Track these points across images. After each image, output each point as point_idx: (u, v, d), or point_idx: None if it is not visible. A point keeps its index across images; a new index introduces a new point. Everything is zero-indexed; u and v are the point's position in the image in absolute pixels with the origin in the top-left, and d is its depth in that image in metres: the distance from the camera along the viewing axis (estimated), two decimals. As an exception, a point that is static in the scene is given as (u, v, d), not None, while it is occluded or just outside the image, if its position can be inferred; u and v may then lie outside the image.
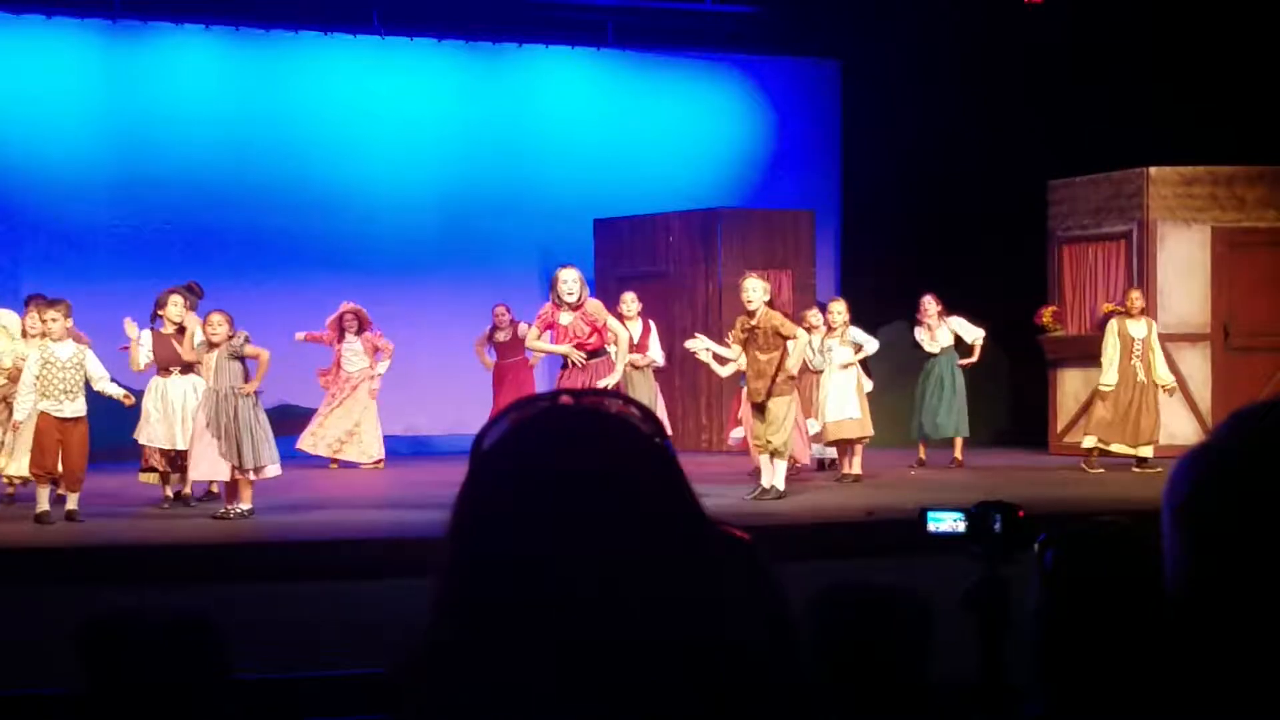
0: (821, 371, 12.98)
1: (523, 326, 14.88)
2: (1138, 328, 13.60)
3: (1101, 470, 13.34)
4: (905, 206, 17.29)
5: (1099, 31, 16.12)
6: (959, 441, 14.15)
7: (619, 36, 18.01)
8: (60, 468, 10.51)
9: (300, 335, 14.48)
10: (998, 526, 3.21)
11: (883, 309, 15.58)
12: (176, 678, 2.69)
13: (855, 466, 12.89)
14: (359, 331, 14.41)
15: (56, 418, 10.45)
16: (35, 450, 10.49)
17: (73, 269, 14.92)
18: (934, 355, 14.09)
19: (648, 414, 1.29)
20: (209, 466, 10.60)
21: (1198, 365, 15.07)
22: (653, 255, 16.92)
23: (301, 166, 16.66)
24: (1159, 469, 13.15)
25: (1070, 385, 15.56)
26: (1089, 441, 13.62)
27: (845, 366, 12.90)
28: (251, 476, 10.52)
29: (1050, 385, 15.97)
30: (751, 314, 11.25)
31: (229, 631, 2.81)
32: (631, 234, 17.10)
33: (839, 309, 13.21)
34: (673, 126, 18.21)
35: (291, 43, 16.95)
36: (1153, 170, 15.23)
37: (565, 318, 10.59)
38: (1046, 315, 15.72)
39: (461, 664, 1.19)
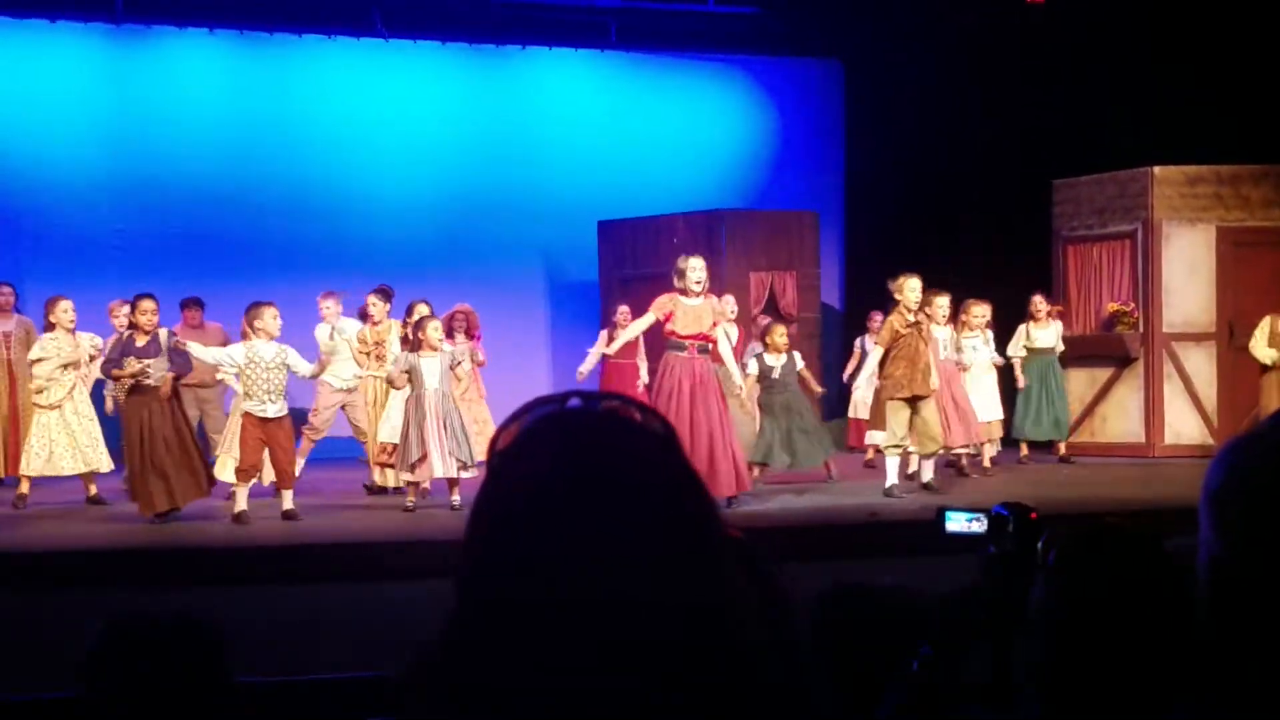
0: (966, 369, 13.21)
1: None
2: None
3: None
4: (909, 206, 17.29)
5: (1102, 30, 16.10)
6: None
7: (622, 38, 18.02)
8: (263, 466, 10.89)
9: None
10: (1011, 527, 3.21)
11: (887, 309, 15.55)
12: (179, 682, 2.69)
13: (987, 460, 13.56)
14: (468, 333, 14.08)
15: (260, 418, 10.64)
16: (240, 448, 10.76)
17: (76, 273, 14.93)
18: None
19: (658, 417, 1.29)
20: (443, 465, 11.10)
21: (1203, 364, 15.06)
22: (657, 257, 16.89)
23: (305, 170, 16.67)
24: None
25: (1075, 386, 15.52)
26: None
27: (995, 366, 13.61)
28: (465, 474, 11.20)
29: (1055, 385, 15.94)
30: (913, 310, 11.72)
31: (231, 634, 2.81)
32: (635, 236, 17.09)
33: (981, 311, 13.49)
34: (676, 128, 18.23)
35: (295, 46, 16.97)
36: (1157, 170, 15.22)
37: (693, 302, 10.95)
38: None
39: (473, 666, 1.19)
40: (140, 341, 10.57)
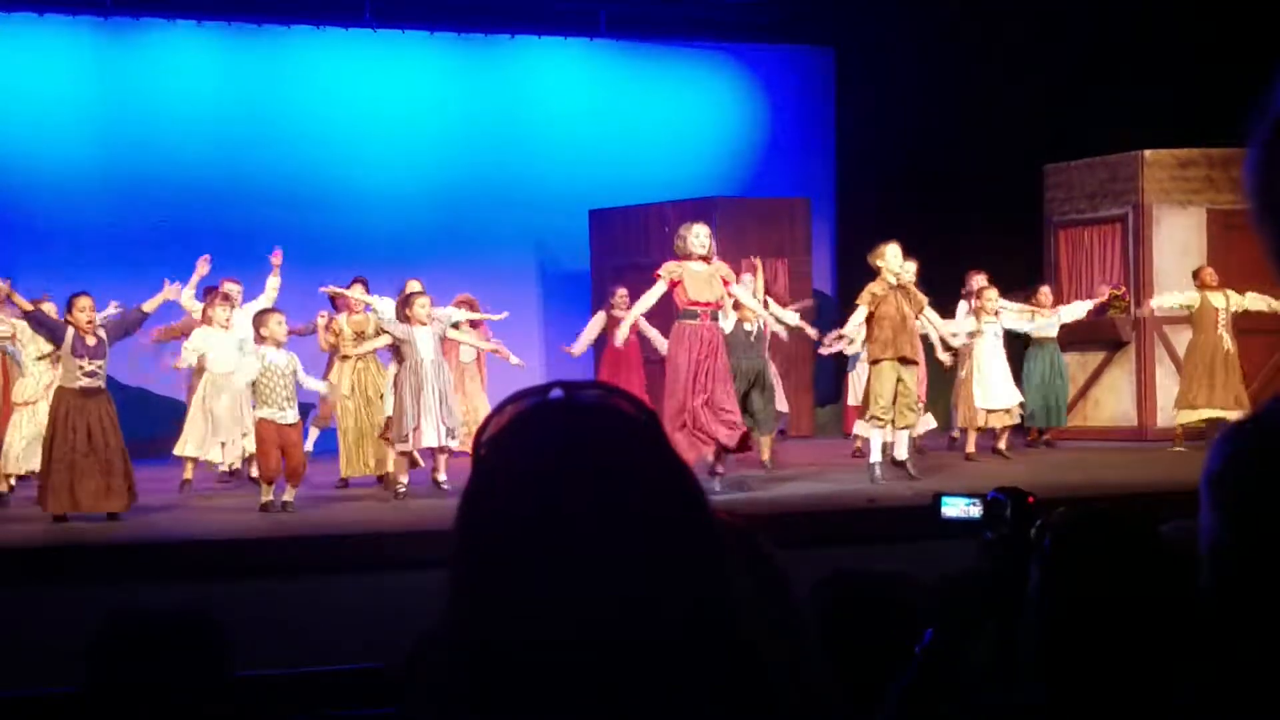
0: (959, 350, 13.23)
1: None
2: (1217, 298, 14.00)
3: (1184, 449, 13.44)
4: (900, 192, 17.27)
5: (1092, 14, 16.09)
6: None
7: (611, 27, 17.99)
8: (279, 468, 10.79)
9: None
10: (1008, 512, 3.22)
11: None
12: (179, 676, 2.69)
13: (1003, 445, 13.49)
14: (473, 322, 13.86)
15: (278, 424, 10.57)
16: (260, 457, 10.75)
17: (65, 267, 14.87)
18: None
19: (641, 407, 1.29)
20: (437, 434, 11.06)
21: (1194, 347, 15.05)
22: (648, 245, 16.89)
23: (295, 161, 16.64)
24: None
25: (1068, 369, 15.53)
26: (1184, 417, 13.80)
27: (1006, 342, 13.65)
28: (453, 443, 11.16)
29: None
30: (895, 274, 11.48)
31: (232, 628, 2.81)
32: (626, 224, 17.08)
33: (994, 294, 13.56)
34: (667, 116, 18.20)
35: (284, 37, 16.94)
36: (1148, 153, 15.23)
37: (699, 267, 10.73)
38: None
39: (468, 660, 1.19)
40: (90, 342, 10.14)
